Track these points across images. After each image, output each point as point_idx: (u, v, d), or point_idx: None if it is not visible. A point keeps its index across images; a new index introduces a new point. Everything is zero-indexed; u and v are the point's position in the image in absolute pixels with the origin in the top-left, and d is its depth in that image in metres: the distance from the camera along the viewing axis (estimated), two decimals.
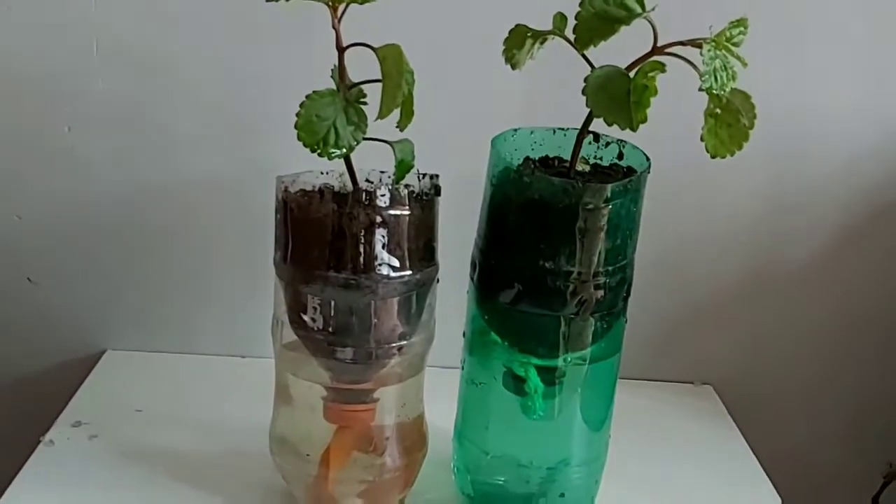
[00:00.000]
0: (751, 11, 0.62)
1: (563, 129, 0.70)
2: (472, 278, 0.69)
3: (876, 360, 1.00)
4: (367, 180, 0.69)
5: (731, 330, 1.00)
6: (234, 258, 0.93)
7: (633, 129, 0.57)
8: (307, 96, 0.61)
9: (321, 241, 0.62)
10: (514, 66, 0.65)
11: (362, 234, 0.62)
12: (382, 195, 0.62)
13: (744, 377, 1.01)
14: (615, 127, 0.59)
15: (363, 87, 0.63)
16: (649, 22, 0.59)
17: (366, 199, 0.62)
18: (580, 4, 0.59)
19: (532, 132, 0.71)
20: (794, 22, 0.88)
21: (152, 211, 0.92)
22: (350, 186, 0.65)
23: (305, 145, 0.60)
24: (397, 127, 0.64)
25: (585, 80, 0.58)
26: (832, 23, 0.89)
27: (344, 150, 0.61)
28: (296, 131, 0.60)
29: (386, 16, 0.66)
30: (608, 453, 0.74)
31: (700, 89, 0.58)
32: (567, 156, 0.68)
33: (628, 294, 0.68)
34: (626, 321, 0.69)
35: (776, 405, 1.02)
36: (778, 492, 0.82)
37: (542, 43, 0.65)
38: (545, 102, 0.82)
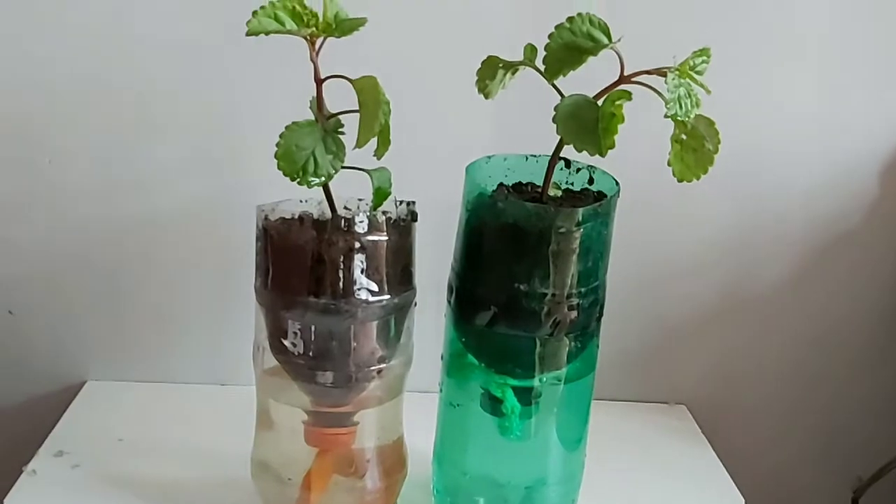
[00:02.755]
0: (713, 41, 0.64)
1: (535, 155, 0.72)
2: (449, 302, 0.71)
3: (847, 378, 1.03)
4: (346, 207, 0.71)
5: (704, 350, 1.01)
6: (212, 287, 0.94)
7: (602, 155, 0.59)
8: (287, 127, 0.62)
9: (301, 267, 0.64)
10: (486, 96, 0.67)
11: (341, 259, 0.64)
12: (361, 222, 0.64)
13: (717, 397, 1.03)
14: (585, 153, 0.61)
15: (341, 117, 0.65)
16: (616, 52, 0.61)
17: (345, 226, 0.64)
18: (549, 36, 0.62)
19: (505, 159, 0.73)
20: (755, 50, 0.91)
21: (130, 241, 0.92)
22: (329, 214, 0.67)
23: (285, 174, 0.62)
24: (374, 155, 0.66)
25: (555, 108, 0.60)
26: (790, 50, 0.92)
27: (323, 179, 0.62)
28: (276, 160, 0.62)
29: (362, 48, 0.68)
30: (584, 472, 0.75)
31: (666, 116, 0.60)
32: (539, 181, 0.70)
33: (601, 314, 0.70)
34: (598, 341, 0.71)
35: (749, 425, 1.03)
36: None
37: (513, 73, 0.67)
38: (517, 130, 0.85)
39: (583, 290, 0.67)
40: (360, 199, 0.71)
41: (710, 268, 0.98)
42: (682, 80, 0.61)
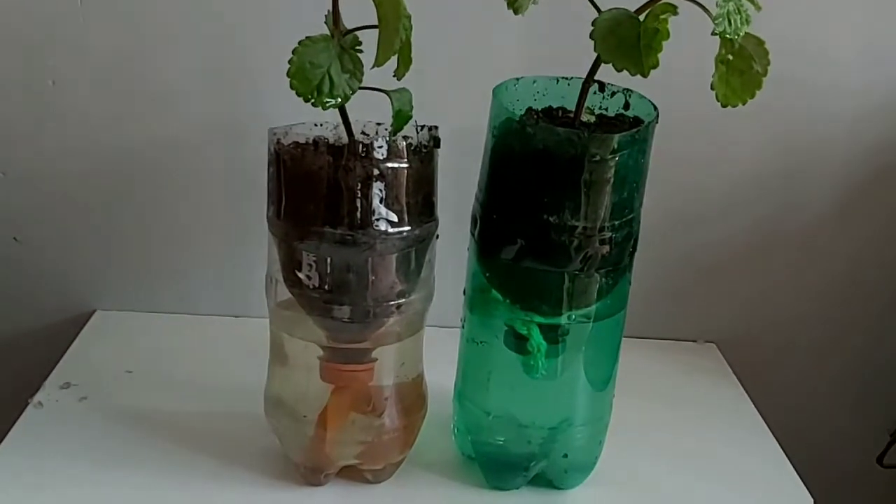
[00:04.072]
0: None
1: (566, 77, 0.68)
2: (472, 234, 0.67)
3: (884, 319, 0.98)
4: (364, 132, 0.67)
5: (735, 288, 0.97)
6: (227, 214, 0.91)
7: (644, 75, 0.54)
8: (300, 42, 0.58)
9: (316, 195, 0.60)
10: (516, 11, 0.62)
11: (359, 187, 0.59)
12: (379, 147, 0.60)
13: (748, 336, 0.99)
14: (622, 75, 0.56)
15: (358, 33, 0.60)
16: None
17: (362, 152, 0.59)
18: None
19: (535, 81, 0.68)
20: None
21: (141, 166, 0.89)
22: (345, 139, 0.63)
23: (299, 94, 0.57)
24: (395, 76, 0.61)
25: (593, 23, 0.55)
26: None
27: (339, 100, 0.58)
28: (288, 79, 0.57)
29: None
30: (612, 413, 0.72)
31: (713, 33, 0.55)
32: (571, 106, 0.66)
33: (634, 249, 0.66)
34: (631, 277, 0.67)
35: (781, 364, 1.00)
36: (783, 450, 0.81)
37: None
38: (549, 50, 0.79)
39: (616, 223, 0.62)
40: (378, 124, 0.66)
41: (748, 202, 0.93)
42: None
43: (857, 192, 0.93)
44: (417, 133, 0.65)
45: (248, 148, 0.84)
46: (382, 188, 0.60)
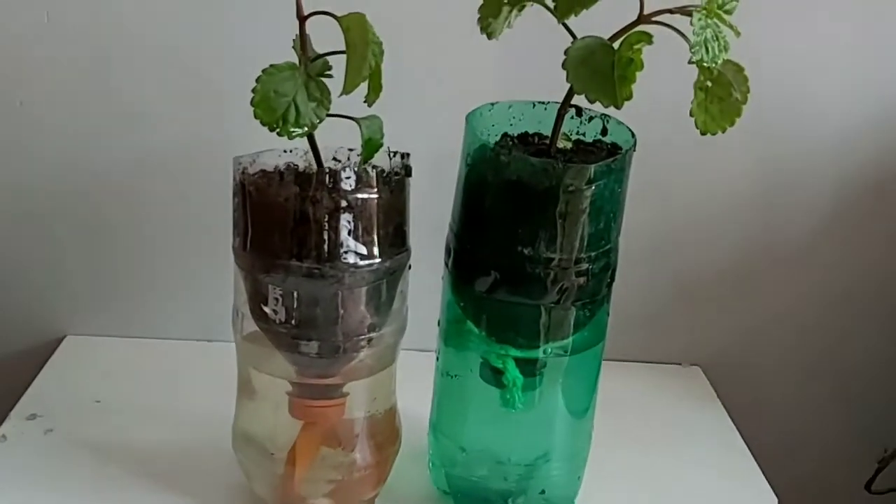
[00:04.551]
0: None
1: (543, 102, 0.66)
2: (446, 264, 0.65)
3: (872, 342, 0.97)
4: (335, 158, 0.65)
5: (720, 309, 0.96)
6: (196, 237, 0.88)
7: (618, 106, 0.52)
8: (265, 70, 0.56)
9: (282, 227, 0.58)
10: (489, 36, 0.60)
11: (326, 219, 0.57)
12: (348, 177, 0.58)
13: (734, 359, 0.97)
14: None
15: (329, 59, 0.58)
16: None
17: (330, 182, 0.57)
18: None
19: (510, 106, 0.66)
20: None
21: (111, 189, 0.87)
22: (316, 166, 0.61)
23: (263, 123, 0.56)
24: (365, 102, 0.60)
25: (566, 52, 0.53)
26: None
27: (306, 129, 0.56)
28: (252, 108, 0.56)
29: None
30: (591, 445, 0.70)
31: (690, 62, 0.53)
32: (548, 131, 0.64)
33: (612, 280, 0.64)
34: (609, 308, 0.65)
35: (767, 388, 0.98)
36: (768, 478, 0.79)
37: (519, 10, 0.60)
38: (524, 74, 0.78)
39: (593, 254, 0.61)
40: (350, 150, 0.64)
41: (734, 223, 0.92)
42: (710, 21, 0.54)
43: (845, 212, 0.91)
44: (390, 159, 0.63)
45: (219, 171, 0.81)
46: (351, 220, 0.58)
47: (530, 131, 0.66)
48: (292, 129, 0.56)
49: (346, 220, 0.58)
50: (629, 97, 0.52)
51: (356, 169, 0.58)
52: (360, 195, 0.58)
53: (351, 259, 0.58)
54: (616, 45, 0.54)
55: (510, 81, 0.79)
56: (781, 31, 0.84)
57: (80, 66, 0.82)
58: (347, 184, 0.58)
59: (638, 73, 0.52)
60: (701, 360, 0.97)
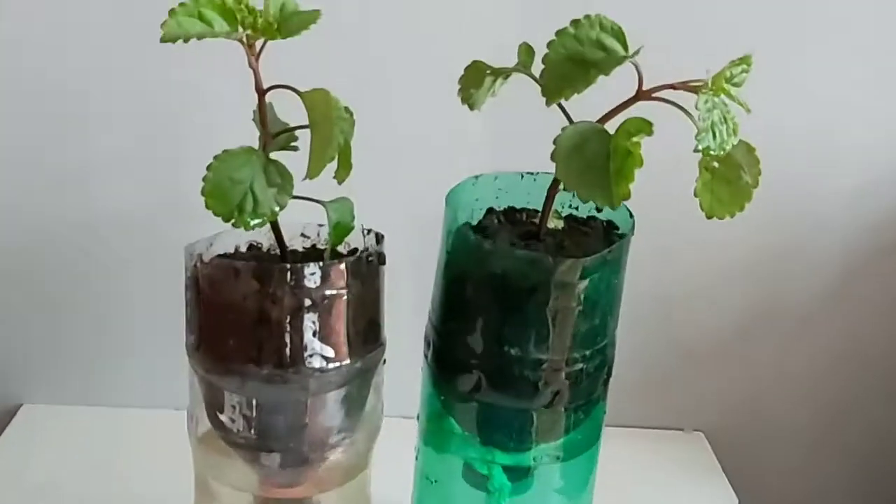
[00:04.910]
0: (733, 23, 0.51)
1: (532, 173, 0.60)
2: (425, 356, 0.59)
3: (883, 407, 0.91)
4: (303, 234, 0.59)
5: (724, 372, 0.89)
6: (159, 299, 0.82)
7: (613, 207, 0.46)
8: (216, 157, 0.50)
9: (239, 328, 0.52)
10: (471, 107, 0.55)
11: (288, 320, 0.51)
12: (312, 273, 0.51)
13: (738, 424, 0.91)
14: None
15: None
16: (634, 66, 0.48)
17: (291, 279, 0.51)
18: (548, 45, 0.48)
19: (496, 178, 0.60)
20: (785, 26, 0.77)
21: (64, 250, 0.81)
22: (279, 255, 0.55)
23: (216, 214, 0.49)
24: (335, 178, 0.54)
25: (555, 141, 0.47)
26: (828, 27, 0.78)
27: (265, 218, 0.50)
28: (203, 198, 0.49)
29: (320, 45, 0.55)
30: None
31: (696, 150, 0.47)
32: (537, 204, 0.58)
33: (609, 375, 0.58)
34: (605, 405, 0.59)
35: (773, 455, 0.92)
36: None
37: (505, 78, 0.54)
38: (511, 143, 0.71)
39: (587, 352, 0.54)
40: (320, 226, 0.58)
41: (738, 282, 0.86)
42: (717, 100, 0.48)
43: (853, 273, 0.85)
44: (364, 236, 0.57)
45: (180, 230, 0.76)
46: (316, 320, 0.52)
47: (518, 205, 0.60)
48: (250, 220, 0.49)
49: (310, 321, 0.51)
50: (626, 196, 0.46)
51: (321, 264, 0.51)
52: (326, 291, 0.52)
53: (317, 363, 0.52)
54: (612, 129, 0.48)
55: (496, 150, 0.73)
56: (781, 74, 0.78)
57: (33, 123, 0.76)
58: (312, 280, 0.51)
59: (637, 170, 0.45)
60: (704, 425, 0.91)
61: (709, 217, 0.51)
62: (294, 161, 0.51)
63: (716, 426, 0.90)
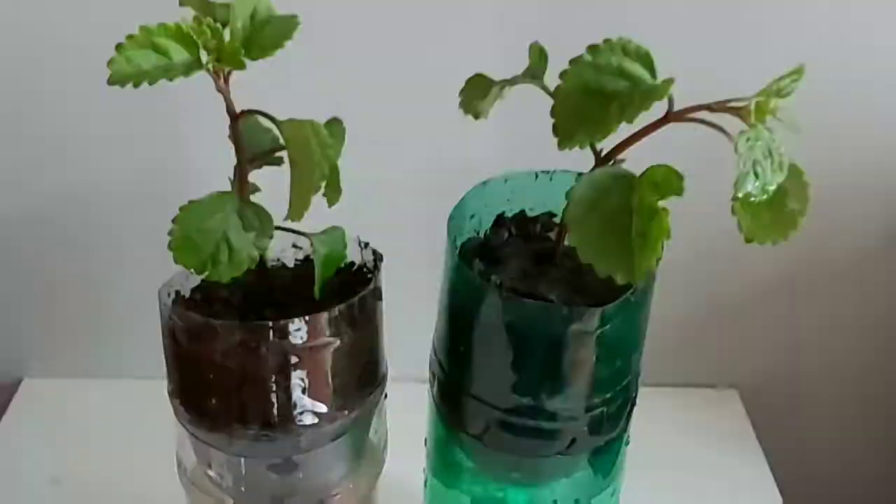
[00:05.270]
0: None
1: (547, 172, 0.53)
2: (430, 386, 0.54)
3: None
4: (295, 245, 0.53)
5: (760, 327, 0.83)
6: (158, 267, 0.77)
7: (634, 283, 0.39)
8: (181, 208, 0.44)
9: (220, 387, 0.47)
10: (476, 116, 0.48)
11: (273, 379, 0.46)
12: (297, 329, 0.46)
13: (773, 381, 0.86)
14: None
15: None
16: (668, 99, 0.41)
17: (276, 335, 0.46)
18: (561, 75, 0.41)
19: (506, 180, 0.53)
20: None
21: (59, 224, 0.76)
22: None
23: (187, 268, 0.44)
24: (324, 198, 0.48)
25: (568, 195, 0.40)
26: None
27: (243, 266, 0.44)
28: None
29: (308, 50, 0.48)
30: None
31: (734, 198, 0.41)
32: (553, 206, 0.52)
33: (632, 409, 0.53)
34: (629, 437, 0.54)
35: (808, 414, 0.87)
36: None
37: (512, 86, 0.47)
38: (524, 141, 0.64)
39: (608, 395, 0.49)
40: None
41: None
42: (760, 132, 0.41)
43: None
44: (361, 250, 0.52)
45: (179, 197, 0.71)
46: (304, 376, 0.46)
47: (532, 208, 0.54)
48: (226, 272, 0.44)
49: (298, 378, 0.46)
50: (650, 268, 0.39)
51: (306, 319, 0.46)
52: (314, 343, 0.46)
53: (308, 420, 0.47)
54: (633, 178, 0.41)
55: (509, 152, 0.66)
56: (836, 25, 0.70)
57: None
58: (297, 336, 0.46)
59: (664, 242, 0.39)
60: (738, 382, 0.86)
61: (748, 241, 0.45)
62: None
63: (750, 383, 0.86)
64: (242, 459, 0.48)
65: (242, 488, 0.49)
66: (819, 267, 0.80)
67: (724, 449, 0.79)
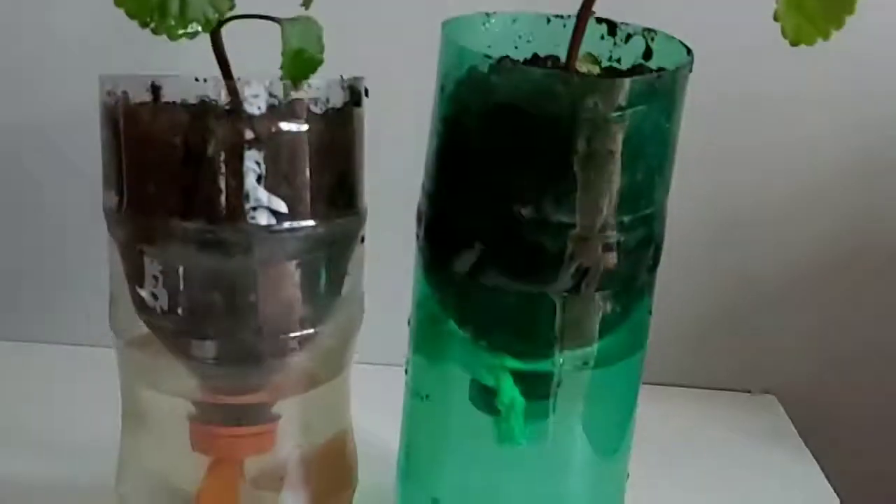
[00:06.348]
0: None
1: (561, 16, 0.47)
2: (417, 237, 0.46)
3: None
4: (271, 94, 0.46)
5: (801, 324, 0.75)
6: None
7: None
8: None
9: (161, 172, 0.39)
10: None
11: (222, 158, 0.38)
12: (255, 96, 0.38)
13: (815, 385, 0.76)
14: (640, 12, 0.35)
15: None
16: None
17: (227, 104, 0.38)
18: None
19: (514, 20, 0.47)
20: None
21: None
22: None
23: (131, 16, 0.37)
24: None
25: None
26: None
27: (196, 28, 0.37)
28: None
29: None
30: (624, 497, 0.50)
31: None
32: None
33: (656, 262, 0.44)
34: (652, 304, 0.45)
35: (856, 423, 0.76)
36: None
37: None
38: None
39: (626, 219, 0.41)
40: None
41: (818, 213, 0.71)
42: None
43: None
44: (343, 91, 0.45)
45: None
46: (261, 160, 0.39)
47: (542, 54, 0.47)
48: (174, 27, 0.37)
49: (252, 161, 0.39)
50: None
51: (269, 88, 0.39)
52: (277, 124, 0.39)
53: (262, 219, 0.39)
54: None
55: None
56: None
57: None
58: (255, 105, 0.38)
59: None
60: (776, 386, 0.76)
61: (794, 44, 0.38)
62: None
63: (790, 387, 0.76)
64: (181, 269, 0.40)
65: (179, 310, 0.40)
66: (869, 249, 0.72)
67: (770, 449, 0.68)
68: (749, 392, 0.76)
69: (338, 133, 0.41)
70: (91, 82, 0.42)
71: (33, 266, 0.74)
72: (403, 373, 0.48)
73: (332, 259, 0.43)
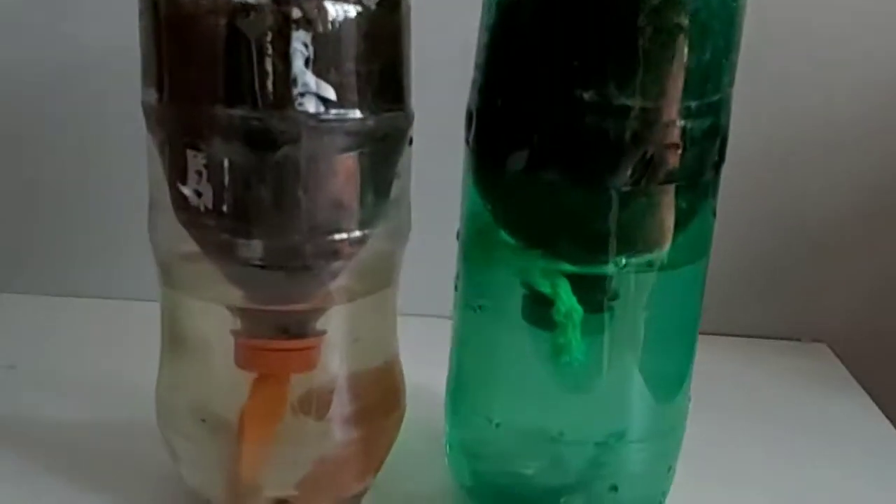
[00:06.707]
0: None
1: None
2: (467, 141, 0.44)
3: None
4: None
5: (853, 271, 0.73)
6: (120, 177, 0.67)
7: None
8: None
9: (205, 57, 0.37)
10: None
11: (269, 41, 0.36)
12: None
13: (868, 334, 0.73)
14: None
15: None
16: None
17: None
18: None
19: None
20: None
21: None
22: None
23: None
24: None
25: None
26: None
27: None
28: None
29: None
30: (687, 425, 0.47)
31: None
32: None
33: (721, 158, 0.42)
34: (716, 205, 0.43)
35: None
36: None
37: None
38: None
39: (693, 104, 0.39)
40: None
41: (871, 157, 0.69)
42: None
43: None
44: None
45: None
46: (308, 41, 0.37)
47: None
48: None
49: (300, 43, 0.37)
50: None
51: None
52: (324, 4, 0.37)
53: (311, 106, 0.37)
54: None
55: None
56: None
57: None
58: None
59: None
60: (827, 334, 0.74)
61: None
62: None
63: (842, 335, 0.73)
64: (227, 162, 0.38)
65: (224, 207, 0.38)
66: None
67: (827, 395, 0.66)
68: (799, 340, 0.74)
69: (385, 19, 0.39)
70: None
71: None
72: (453, 288, 0.46)
73: (380, 157, 0.41)
